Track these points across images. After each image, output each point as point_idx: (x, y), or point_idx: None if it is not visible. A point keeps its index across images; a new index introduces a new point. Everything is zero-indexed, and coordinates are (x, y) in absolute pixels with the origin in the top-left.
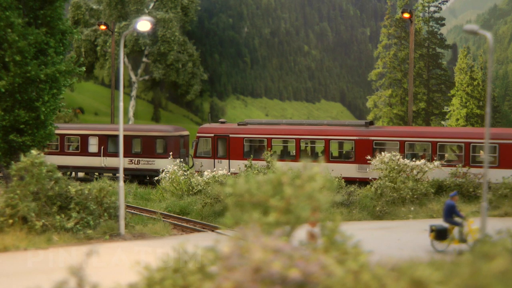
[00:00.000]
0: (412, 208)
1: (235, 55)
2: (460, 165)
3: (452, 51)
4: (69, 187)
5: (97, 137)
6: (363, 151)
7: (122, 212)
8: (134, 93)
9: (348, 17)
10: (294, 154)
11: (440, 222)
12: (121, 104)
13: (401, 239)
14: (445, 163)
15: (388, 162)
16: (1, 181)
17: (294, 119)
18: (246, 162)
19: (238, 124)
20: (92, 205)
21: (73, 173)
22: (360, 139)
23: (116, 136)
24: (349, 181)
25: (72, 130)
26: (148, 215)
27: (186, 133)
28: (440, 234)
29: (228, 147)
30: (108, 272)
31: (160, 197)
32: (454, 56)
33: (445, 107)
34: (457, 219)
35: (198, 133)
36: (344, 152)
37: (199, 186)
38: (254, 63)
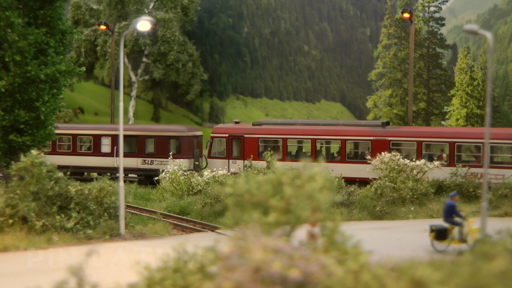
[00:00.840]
0: (412, 208)
1: (235, 55)
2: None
3: (452, 51)
4: (69, 187)
5: (110, 137)
6: (380, 151)
7: (122, 212)
8: (134, 93)
9: (348, 17)
10: (310, 154)
11: (440, 222)
12: (121, 104)
13: (401, 239)
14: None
15: (388, 162)
16: (1, 181)
17: (294, 119)
18: (262, 162)
19: (253, 124)
20: (92, 205)
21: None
22: (376, 139)
23: (130, 137)
24: (367, 182)
25: (85, 130)
26: (148, 215)
27: (199, 133)
28: (440, 234)
29: (243, 148)
30: (108, 272)
31: (160, 197)
32: (454, 56)
33: (445, 107)
34: (457, 219)
35: (212, 133)
36: (360, 152)
37: (199, 186)
38: (254, 63)
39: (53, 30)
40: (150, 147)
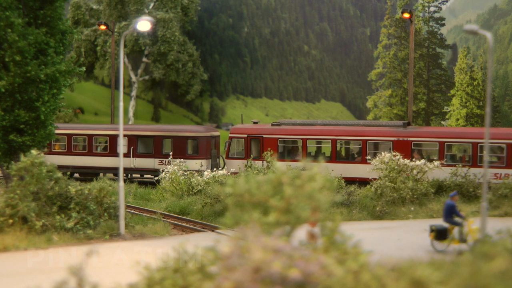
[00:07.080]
0: (412, 208)
1: (235, 55)
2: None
3: (452, 51)
4: (69, 187)
5: (126, 138)
6: (401, 152)
7: (122, 212)
8: (134, 93)
9: (348, 17)
10: (330, 155)
11: (440, 222)
12: (121, 104)
13: (401, 239)
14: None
15: (388, 162)
16: (1, 181)
17: (294, 119)
18: (281, 163)
19: (272, 125)
20: (92, 205)
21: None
22: (398, 139)
23: (147, 137)
24: None
25: (101, 130)
26: (148, 215)
27: (217, 133)
28: (440, 234)
29: (262, 148)
30: (108, 272)
31: (160, 197)
32: (454, 56)
33: (445, 107)
34: (457, 219)
35: (230, 133)
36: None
37: (199, 186)
38: (254, 63)
39: (53, 30)
40: (167, 148)
